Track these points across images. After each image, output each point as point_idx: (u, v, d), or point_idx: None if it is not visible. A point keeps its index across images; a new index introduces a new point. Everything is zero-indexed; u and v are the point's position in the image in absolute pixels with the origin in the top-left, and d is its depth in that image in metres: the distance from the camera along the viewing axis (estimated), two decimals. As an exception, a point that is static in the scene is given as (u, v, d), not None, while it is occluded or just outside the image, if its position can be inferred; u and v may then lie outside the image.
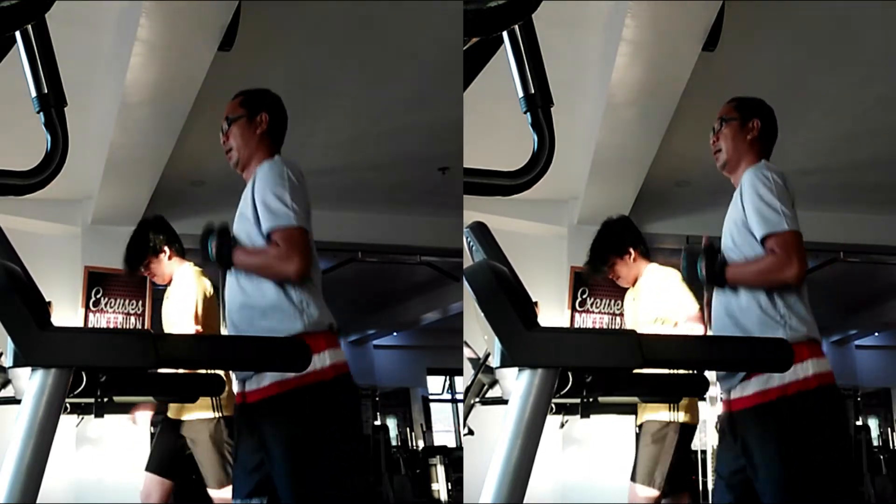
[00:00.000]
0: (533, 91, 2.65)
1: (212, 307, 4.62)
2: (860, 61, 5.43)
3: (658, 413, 4.51)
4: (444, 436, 12.66)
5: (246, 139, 3.19)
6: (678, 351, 2.33)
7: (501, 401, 4.19)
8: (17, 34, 2.73)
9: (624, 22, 4.76)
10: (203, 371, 3.55)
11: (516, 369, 2.15)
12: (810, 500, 2.89)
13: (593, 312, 7.14)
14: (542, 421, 2.13)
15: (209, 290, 4.61)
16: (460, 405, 12.39)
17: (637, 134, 5.90)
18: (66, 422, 3.63)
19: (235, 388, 3.17)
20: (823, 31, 5.11)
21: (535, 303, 2.37)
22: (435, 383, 13.36)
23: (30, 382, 2.10)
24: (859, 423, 10.42)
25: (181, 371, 3.63)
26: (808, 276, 3.04)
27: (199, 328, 4.50)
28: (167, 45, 4.87)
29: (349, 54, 5.31)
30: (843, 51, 5.31)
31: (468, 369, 4.82)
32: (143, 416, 4.74)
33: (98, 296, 6.92)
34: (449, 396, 13.45)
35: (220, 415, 4.54)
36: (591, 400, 3.63)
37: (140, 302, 7.01)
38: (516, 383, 2.14)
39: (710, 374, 3.35)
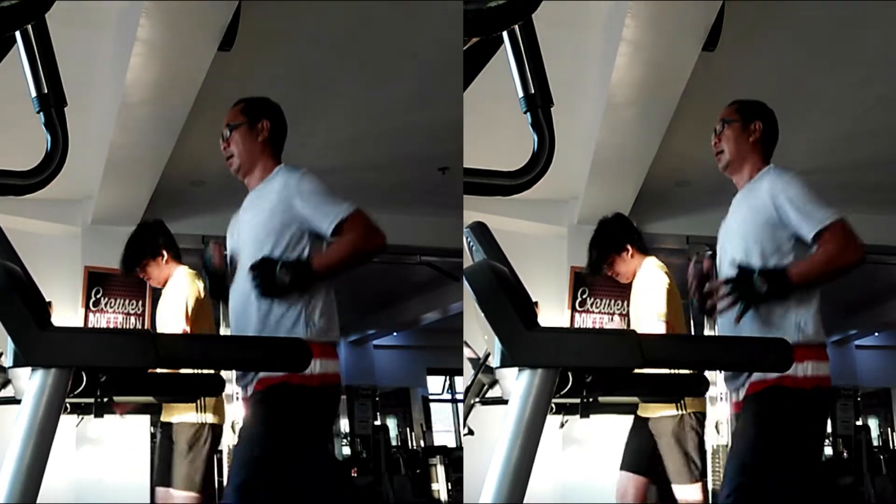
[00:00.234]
0: (533, 91, 2.65)
1: (203, 308, 4.63)
2: (860, 61, 5.42)
3: (663, 410, 4.53)
4: (444, 436, 12.64)
5: (248, 146, 3.25)
6: (678, 351, 2.33)
7: (501, 401, 4.18)
8: (17, 34, 2.73)
9: (624, 22, 4.76)
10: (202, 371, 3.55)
11: (516, 369, 2.15)
12: (766, 486, 2.94)
13: (593, 312, 7.13)
14: (542, 421, 2.13)
15: (202, 291, 4.61)
16: (460, 405, 12.39)
17: (637, 134, 5.89)
18: (66, 422, 3.64)
19: (236, 388, 3.18)
20: (823, 31, 5.11)
21: (535, 303, 2.37)
22: (435, 383, 13.34)
23: (30, 382, 2.10)
24: (859, 423, 10.41)
25: (181, 371, 3.63)
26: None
27: (188, 328, 4.51)
28: (167, 45, 4.87)
29: (349, 54, 5.31)
30: (843, 51, 5.31)
31: (468, 369, 4.82)
32: (130, 416, 4.71)
33: (98, 296, 6.91)
34: (449, 396, 13.44)
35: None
36: (591, 400, 3.63)
37: (140, 302, 7.01)
38: (516, 383, 2.14)
39: (710, 375, 3.36)
